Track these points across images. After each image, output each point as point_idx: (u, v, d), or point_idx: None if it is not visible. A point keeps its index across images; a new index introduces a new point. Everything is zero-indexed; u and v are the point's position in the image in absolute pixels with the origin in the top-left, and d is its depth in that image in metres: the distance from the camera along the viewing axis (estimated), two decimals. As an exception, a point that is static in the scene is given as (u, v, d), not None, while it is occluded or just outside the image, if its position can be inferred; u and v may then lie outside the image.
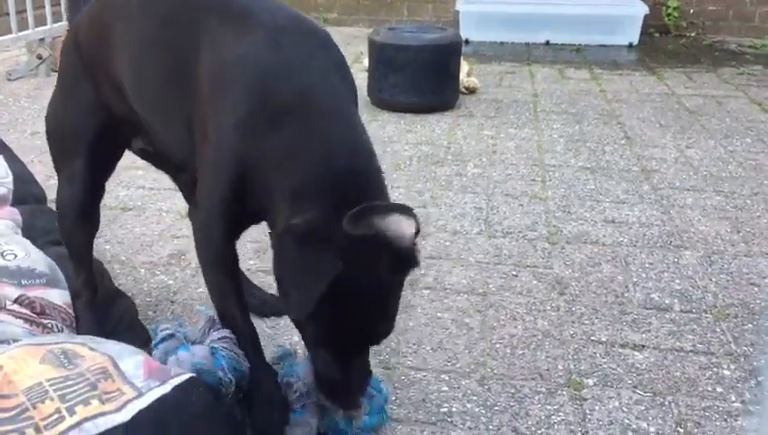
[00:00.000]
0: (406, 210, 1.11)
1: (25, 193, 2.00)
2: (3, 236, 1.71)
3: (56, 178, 1.58)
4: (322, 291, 1.07)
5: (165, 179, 2.66)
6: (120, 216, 2.36)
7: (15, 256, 1.59)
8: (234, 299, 1.32)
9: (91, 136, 1.49)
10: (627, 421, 1.43)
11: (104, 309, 1.60)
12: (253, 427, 1.26)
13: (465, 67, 3.94)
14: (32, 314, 1.42)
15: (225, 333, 1.29)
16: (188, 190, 1.72)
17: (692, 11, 5.77)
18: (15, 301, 1.47)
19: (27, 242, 1.71)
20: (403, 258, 1.14)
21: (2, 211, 1.88)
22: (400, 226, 1.09)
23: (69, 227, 1.57)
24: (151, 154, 1.60)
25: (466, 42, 5.30)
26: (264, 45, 1.21)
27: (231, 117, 1.19)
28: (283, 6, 1.32)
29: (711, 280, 2.00)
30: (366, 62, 3.85)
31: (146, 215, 2.38)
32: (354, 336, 1.18)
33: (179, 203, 2.46)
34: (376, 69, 3.60)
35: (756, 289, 1.95)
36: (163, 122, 1.40)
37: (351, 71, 1.35)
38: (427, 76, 3.54)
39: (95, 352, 1.10)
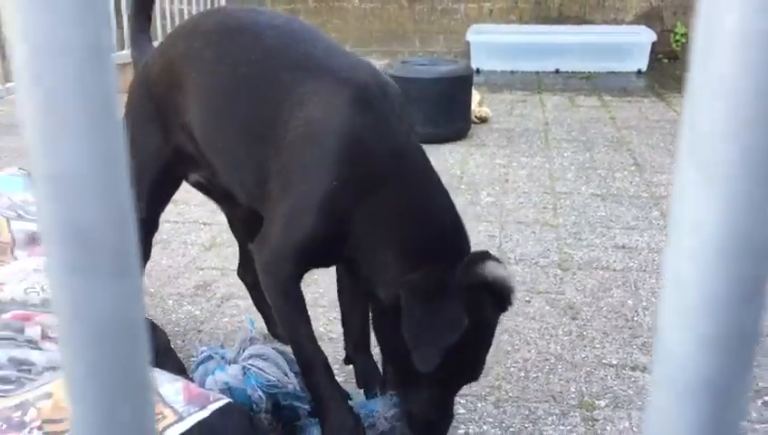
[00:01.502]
0: (496, 258, 1.26)
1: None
2: (42, 272, 1.81)
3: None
4: (452, 344, 1.16)
5: (189, 213, 2.77)
6: (148, 249, 2.46)
7: (53, 307, 1.68)
8: (302, 326, 1.35)
9: (154, 177, 1.53)
10: (637, 441, 1.50)
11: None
12: None
13: (476, 97, 4.04)
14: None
15: (256, 351, 1.37)
16: (240, 224, 1.79)
17: (700, 36, 5.86)
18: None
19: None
20: (506, 300, 1.26)
21: (39, 248, 1.98)
22: (500, 271, 1.23)
23: None
24: (206, 187, 1.64)
25: (477, 71, 5.41)
26: (354, 105, 1.24)
27: (323, 176, 1.23)
28: (363, 62, 1.36)
29: (718, 303, 2.06)
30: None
31: (171, 248, 2.48)
32: (460, 375, 1.29)
33: (204, 236, 2.57)
34: (390, 101, 3.71)
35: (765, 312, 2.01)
36: (231, 168, 1.44)
37: None
38: (439, 107, 3.64)
39: (148, 338, 1.18)
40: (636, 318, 1.99)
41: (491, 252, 1.28)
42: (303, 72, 1.30)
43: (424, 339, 1.18)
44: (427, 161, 1.31)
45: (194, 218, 2.68)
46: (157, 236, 2.54)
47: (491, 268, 1.22)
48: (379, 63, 5.14)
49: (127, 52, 4.34)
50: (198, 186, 1.67)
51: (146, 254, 1.67)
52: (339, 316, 2.00)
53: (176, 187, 1.66)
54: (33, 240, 2.05)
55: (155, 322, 1.90)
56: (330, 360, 1.76)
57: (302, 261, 1.33)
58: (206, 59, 1.42)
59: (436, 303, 1.18)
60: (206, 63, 1.41)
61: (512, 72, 5.48)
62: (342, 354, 1.75)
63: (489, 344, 1.30)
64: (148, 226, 1.62)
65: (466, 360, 1.26)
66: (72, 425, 0.24)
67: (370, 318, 1.44)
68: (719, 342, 0.21)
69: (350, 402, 1.36)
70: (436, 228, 1.25)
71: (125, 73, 4.57)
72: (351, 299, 1.58)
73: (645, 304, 2.06)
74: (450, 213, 1.29)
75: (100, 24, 0.20)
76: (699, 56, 0.21)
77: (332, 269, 1.59)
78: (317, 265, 1.41)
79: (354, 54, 1.41)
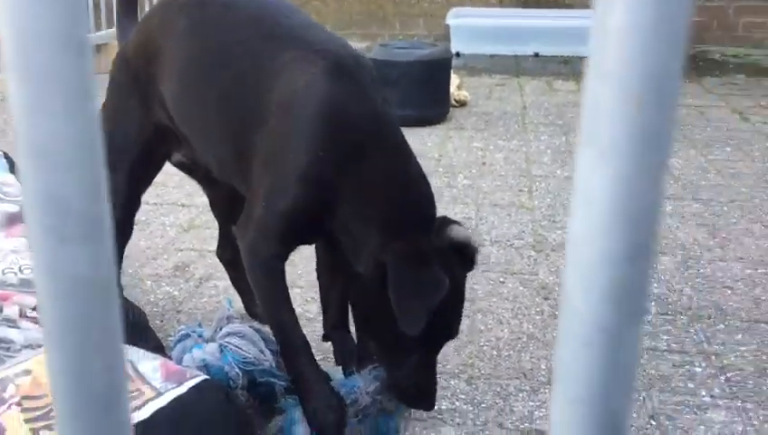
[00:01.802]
0: (459, 222, 1.35)
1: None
2: (19, 252, 1.82)
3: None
4: (435, 306, 1.20)
5: (167, 195, 2.78)
6: (126, 230, 2.47)
7: (32, 270, 1.70)
8: (284, 308, 1.36)
9: (135, 152, 1.54)
10: (604, 416, 1.55)
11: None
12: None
13: (455, 80, 4.07)
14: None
15: (233, 329, 1.39)
16: (221, 205, 1.80)
17: (677, 22, 5.91)
18: (34, 309, 1.58)
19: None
20: (471, 261, 1.34)
21: (16, 229, 1.98)
22: (465, 233, 1.31)
23: None
24: (189, 166, 1.65)
25: (457, 54, 5.43)
26: (330, 74, 1.26)
27: (306, 146, 1.25)
28: (335, 35, 1.39)
29: (687, 284, 2.12)
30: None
31: (150, 229, 2.49)
32: (441, 335, 1.34)
33: (182, 217, 2.58)
34: (369, 84, 3.73)
35: (729, 292, 2.07)
36: (206, 141, 1.45)
37: None
38: (418, 91, 3.66)
39: (118, 299, 1.20)
40: (606, 298, 2.04)
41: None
42: (278, 42, 1.31)
43: (411, 303, 1.21)
44: (400, 131, 1.34)
45: (172, 200, 2.69)
46: (135, 218, 2.56)
47: (456, 231, 1.29)
48: (358, 46, 5.15)
49: (103, 32, 4.32)
50: (181, 166, 1.68)
51: (127, 232, 1.66)
52: (316, 296, 2.03)
53: (158, 167, 1.66)
54: (11, 221, 2.05)
55: (134, 302, 1.92)
56: (308, 339, 1.80)
57: (287, 237, 1.33)
58: (180, 29, 1.42)
59: (421, 268, 1.22)
60: (181, 33, 1.42)
61: (491, 55, 5.51)
62: (320, 334, 1.78)
63: (462, 302, 1.36)
64: (131, 203, 1.62)
65: (444, 319, 1.30)
66: (50, 376, 0.26)
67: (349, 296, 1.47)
68: (612, 296, 0.23)
69: (330, 382, 1.38)
70: (413, 198, 1.29)
71: (105, 54, 4.54)
72: (330, 278, 1.60)
73: (616, 284, 2.11)
74: (423, 182, 1.32)
75: (77, 11, 0.22)
76: (593, 50, 0.24)
77: (310, 250, 1.61)
78: (301, 242, 1.41)
79: (327, 30, 1.42)
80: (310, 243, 1.47)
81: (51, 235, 0.24)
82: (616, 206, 0.23)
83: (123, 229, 1.63)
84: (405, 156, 1.31)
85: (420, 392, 1.35)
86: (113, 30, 4.49)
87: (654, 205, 0.23)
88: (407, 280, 1.22)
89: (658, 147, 0.24)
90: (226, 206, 1.82)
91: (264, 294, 1.38)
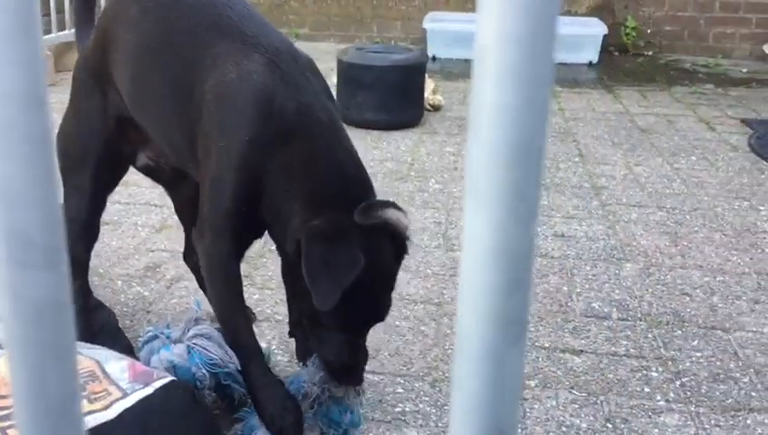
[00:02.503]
0: (398, 206, 1.34)
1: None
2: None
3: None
4: (349, 283, 1.23)
5: (140, 195, 2.79)
6: (98, 230, 2.48)
7: None
8: (239, 316, 1.41)
9: (100, 151, 1.57)
10: (561, 418, 1.60)
11: (88, 318, 1.72)
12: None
13: (430, 85, 4.11)
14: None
15: (201, 331, 1.42)
16: (186, 210, 1.81)
17: (649, 30, 6.02)
18: None
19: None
20: (403, 245, 1.36)
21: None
22: (398, 218, 1.32)
23: (72, 238, 1.66)
24: (154, 169, 1.69)
25: (433, 58, 5.48)
26: (264, 66, 1.32)
27: (238, 134, 1.30)
28: (275, 30, 1.44)
29: (647, 290, 2.18)
30: (335, 79, 4.01)
31: (122, 229, 2.50)
32: (365, 317, 1.37)
33: (154, 218, 2.60)
34: (344, 87, 3.76)
35: (688, 298, 2.14)
36: (160, 130, 1.49)
37: None
38: (392, 95, 3.71)
39: (83, 356, 1.23)
40: (569, 304, 2.09)
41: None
42: (218, 33, 1.37)
43: (322, 278, 1.24)
44: (335, 120, 1.38)
45: (144, 200, 2.70)
46: (107, 218, 2.57)
47: (390, 213, 1.31)
48: (335, 47, 5.19)
49: (63, 33, 4.29)
50: (146, 169, 1.70)
51: (93, 233, 1.68)
52: (285, 298, 2.07)
53: (124, 168, 1.68)
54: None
55: (104, 302, 1.94)
56: (276, 341, 1.83)
57: (235, 231, 1.37)
58: (130, 17, 1.47)
59: (334, 244, 1.25)
60: (132, 21, 1.47)
61: (466, 60, 5.56)
62: (287, 336, 1.82)
63: (391, 287, 1.38)
64: (96, 203, 1.63)
65: (369, 301, 1.34)
66: (12, 385, 0.29)
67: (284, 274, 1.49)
68: (496, 323, 0.27)
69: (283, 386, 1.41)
70: (337, 179, 1.33)
71: (71, 52, 4.53)
72: None
73: (579, 290, 2.17)
74: (352, 164, 1.36)
75: (37, 73, 0.25)
76: (472, 121, 0.28)
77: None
78: (251, 235, 1.45)
79: (269, 24, 1.47)
80: (258, 236, 1.50)
81: (12, 263, 0.27)
82: (494, 247, 0.27)
83: (89, 230, 1.66)
84: (332, 141, 1.35)
85: (347, 368, 1.39)
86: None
87: (527, 247, 0.27)
88: (318, 257, 1.25)
89: (527, 199, 0.28)
90: (191, 211, 1.84)
91: (218, 299, 1.42)
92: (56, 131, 1.69)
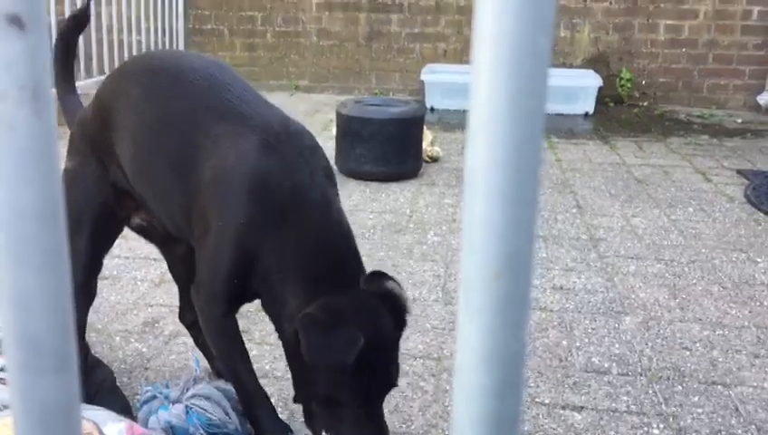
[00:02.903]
0: (396, 280, 1.39)
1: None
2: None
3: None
4: (352, 361, 1.25)
5: (139, 249, 2.80)
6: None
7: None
8: (241, 362, 1.47)
9: (96, 214, 1.61)
10: (563, 478, 1.58)
11: (86, 376, 1.71)
12: None
13: (428, 136, 4.16)
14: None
15: (200, 390, 1.43)
16: (179, 269, 1.88)
17: (644, 82, 6.12)
18: (1, 369, 1.59)
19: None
20: (402, 318, 1.39)
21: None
22: (399, 290, 1.37)
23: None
24: (147, 230, 1.73)
25: (432, 109, 5.56)
26: (259, 149, 1.37)
27: (234, 216, 1.35)
28: (274, 109, 1.49)
29: (647, 344, 2.18)
30: (334, 130, 4.06)
31: (121, 284, 2.50)
32: (376, 385, 1.38)
33: (153, 272, 2.60)
34: (343, 140, 3.81)
35: (688, 353, 2.13)
36: (160, 204, 1.55)
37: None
38: (391, 147, 3.75)
39: (81, 418, 1.23)
40: (569, 358, 2.09)
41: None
42: (217, 115, 1.42)
43: (323, 362, 1.28)
44: (330, 199, 1.42)
45: (144, 254, 2.71)
46: (106, 272, 2.58)
47: (391, 285, 1.36)
48: (334, 99, 5.26)
49: (82, 83, 4.36)
50: (140, 229, 1.75)
51: (90, 295, 1.72)
52: (283, 355, 2.06)
53: (118, 230, 1.73)
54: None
55: (101, 359, 1.93)
56: (275, 398, 1.82)
57: (230, 297, 1.43)
58: (132, 98, 1.52)
59: (332, 331, 1.27)
60: (133, 102, 1.52)
61: (464, 111, 5.63)
62: (287, 393, 1.80)
63: (394, 349, 1.40)
64: (93, 265, 1.68)
65: (376, 371, 1.35)
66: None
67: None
68: (488, 424, 0.29)
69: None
70: (328, 259, 1.36)
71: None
72: None
73: (578, 344, 2.16)
74: (344, 244, 1.40)
75: (52, 187, 0.27)
76: (465, 234, 0.29)
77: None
78: (246, 299, 1.50)
79: (267, 101, 1.52)
80: (253, 300, 1.52)
81: (24, 367, 0.28)
82: (486, 352, 0.28)
83: (87, 292, 1.69)
84: (326, 221, 1.39)
85: None
86: (92, 80, 4.53)
87: (517, 351, 0.29)
88: (318, 346, 1.28)
89: (515, 307, 0.29)
90: (184, 270, 1.86)
91: (220, 351, 1.49)
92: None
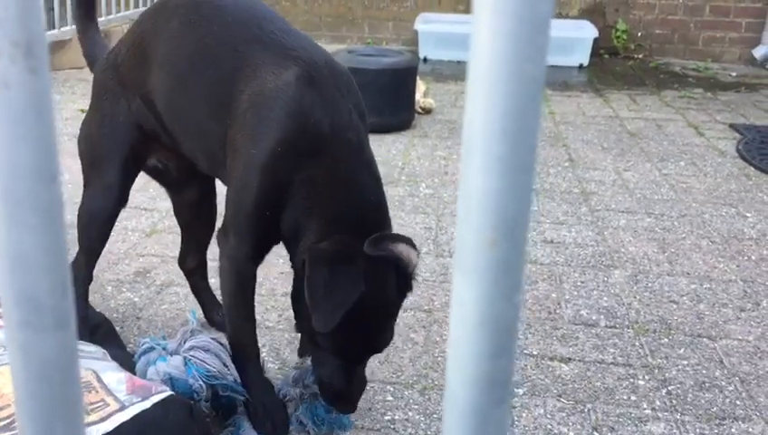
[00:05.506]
0: (411, 242, 1.34)
1: None
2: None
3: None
4: (348, 307, 1.25)
5: (131, 198, 2.78)
6: (89, 233, 2.48)
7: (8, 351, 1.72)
8: (246, 317, 1.47)
9: (126, 150, 1.60)
10: (549, 426, 1.62)
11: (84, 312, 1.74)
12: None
13: (421, 87, 4.13)
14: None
15: (198, 342, 1.44)
16: (186, 212, 1.86)
17: (640, 34, 6.06)
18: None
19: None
20: (407, 282, 1.36)
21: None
22: (408, 253, 1.32)
23: (95, 234, 1.68)
24: (161, 172, 1.73)
25: (425, 60, 5.50)
26: (301, 80, 1.33)
27: (269, 141, 1.32)
28: (314, 44, 1.46)
29: (635, 297, 2.20)
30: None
31: (112, 233, 2.50)
32: (363, 346, 1.38)
33: (144, 222, 2.60)
34: (335, 90, 3.77)
35: (675, 306, 2.16)
36: (193, 135, 1.52)
37: None
38: (383, 98, 3.72)
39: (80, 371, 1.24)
40: (558, 311, 2.11)
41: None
42: (259, 46, 1.39)
43: (322, 300, 1.27)
44: (363, 141, 1.40)
45: (134, 204, 2.70)
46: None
47: (400, 248, 1.32)
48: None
49: (65, 29, 4.24)
50: (154, 171, 1.74)
51: (113, 226, 1.72)
52: (276, 305, 2.08)
53: (137, 171, 1.71)
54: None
55: (94, 308, 1.94)
56: (267, 348, 1.84)
57: (257, 234, 1.40)
58: (172, 29, 1.49)
59: (337, 267, 1.27)
60: (173, 33, 1.49)
61: (458, 62, 5.58)
62: (278, 343, 1.83)
63: (392, 318, 1.40)
64: (122, 197, 1.67)
65: (368, 330, 1.35)
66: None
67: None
68: (481, 385, 0.29)
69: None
70: (354, 203, 1.34)
71: (67, 50, 4.51)
72: None
73: (567, 296, 2.19)
74: (373, 191, 1.38)
75: (49, 153, 0.26)
76: (460, 204, 0.29)
77: (270, 257, 1.65)
78: (272, 240, 1.46)
79: (309, 37, 1.49)
80: (277, 241, 1.52)
81: (23, 325, 0.28)
82: (481, 317, 0.29)
83: (113, 224, 1.70)
84: (357, 164, 1.36)
85: (339, 393, 1.41)
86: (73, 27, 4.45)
87: (511, 317, 0.29)
88: (320, 278, 1.27)
89: (510, 274, 0.29)
90: (190, 214, 1.86)
91: (230, 300, 1.47)
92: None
